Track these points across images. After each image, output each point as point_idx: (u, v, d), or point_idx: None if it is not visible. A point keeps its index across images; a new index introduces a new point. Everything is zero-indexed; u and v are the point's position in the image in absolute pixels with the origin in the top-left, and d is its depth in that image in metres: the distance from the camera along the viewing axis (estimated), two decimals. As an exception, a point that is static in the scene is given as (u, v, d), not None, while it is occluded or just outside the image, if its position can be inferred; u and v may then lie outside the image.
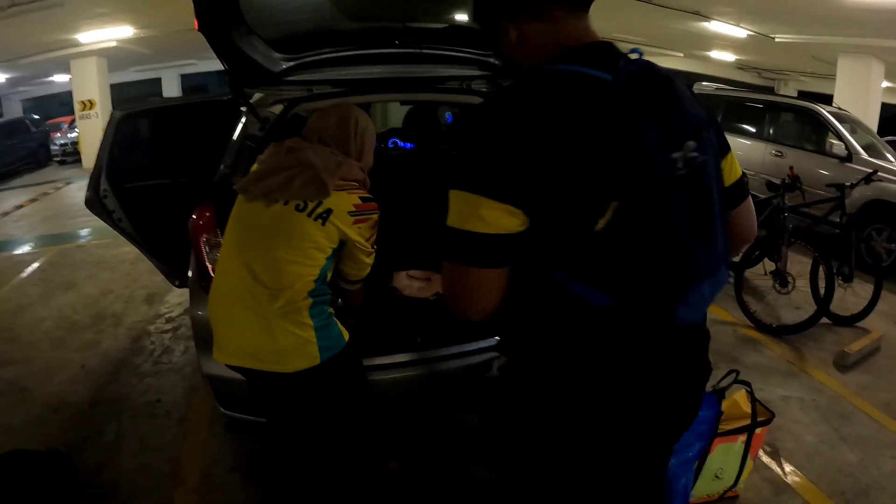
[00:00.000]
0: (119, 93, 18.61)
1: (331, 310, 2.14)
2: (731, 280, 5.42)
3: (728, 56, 18.18)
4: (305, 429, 2.34)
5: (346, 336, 2.17)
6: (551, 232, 1.16)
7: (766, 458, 3.43)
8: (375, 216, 2.14)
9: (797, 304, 5.26)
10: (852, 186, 5.45)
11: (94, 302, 5.73)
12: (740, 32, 11.87)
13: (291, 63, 3.28)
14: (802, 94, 13.78)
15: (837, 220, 5.45)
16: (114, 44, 14.18)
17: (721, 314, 5.41)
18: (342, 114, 2.25)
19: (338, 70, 3.46)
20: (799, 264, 5.27)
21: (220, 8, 2.40)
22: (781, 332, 5.00)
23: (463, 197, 1.16)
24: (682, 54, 19.04)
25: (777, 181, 5.47)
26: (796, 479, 3.28)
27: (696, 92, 7.41)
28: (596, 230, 1.12)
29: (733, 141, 8.12)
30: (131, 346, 4.66)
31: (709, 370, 1.43)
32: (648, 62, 1.24)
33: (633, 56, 1.23)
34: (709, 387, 3.11)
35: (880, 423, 3.90)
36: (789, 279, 5.15)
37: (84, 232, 8.90)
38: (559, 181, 1.11)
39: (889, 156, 7.70)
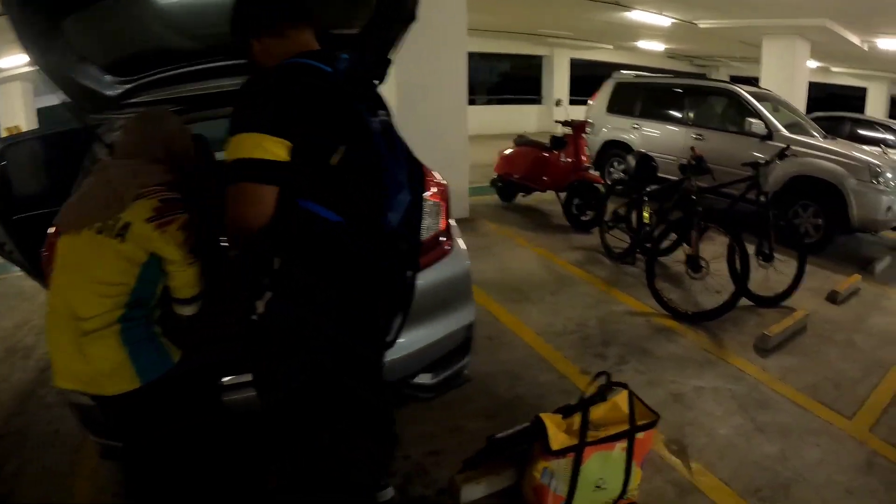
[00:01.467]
0: (50, 116, 17.82)
1: (157, 329, 2.08)
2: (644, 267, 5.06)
3: (657, 45, 18.13)
4: (160, 451, 2.25)
5: (176, 356, 2.09)
6: (304, 165, 1.67)
7: (671, 459, 3.06)
8: (182, 216, 2.03)
9: (717, 289, 4.89)
10: (766, 164, 5.14)
11: (9, 335, 5.31)
12: (664, 21, 11.73)
13: (129, 85, 3.18)
14: (735, 79, 13.75)
15: (755, 198, 5.10)
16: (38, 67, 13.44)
17: (634, 304, 5.04)
18: (137, 122, 2.24)
19: (180, 87, 3.31)
20: (723, 246, 4.91)
21: (44, 39, 2.42)
22: (699, 319, 4.63)
23: (251, 136, 1.64)
24: (611, 46, 19.04)
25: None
26: (704, 478, 2.92)
27: (616, 81, 7.17)
28: (332, 164, 1.69)
29: (656, 127, 7.94)
30: (38, 378, 4.35)
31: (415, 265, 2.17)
32: (353, 64, 1.82)
33: (346, 56, 1.82)
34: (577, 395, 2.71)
35: (804, 408, 3.59)
36: (702, 263, 4.79)
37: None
38: (308, 128, 1.68)
39: (814, 132, 7.52)
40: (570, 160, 7.21)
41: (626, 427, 2.51)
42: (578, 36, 16.98)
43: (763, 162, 5.17)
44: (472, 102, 21.14)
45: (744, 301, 4.85)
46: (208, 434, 2.35)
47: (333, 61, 1.78)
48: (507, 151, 8.21)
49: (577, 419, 2.53)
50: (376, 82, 2.09)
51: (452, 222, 3.19)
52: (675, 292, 5.16)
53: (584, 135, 7.37)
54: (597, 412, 2.58)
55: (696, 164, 4.88)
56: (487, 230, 7.25)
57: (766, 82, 10.92)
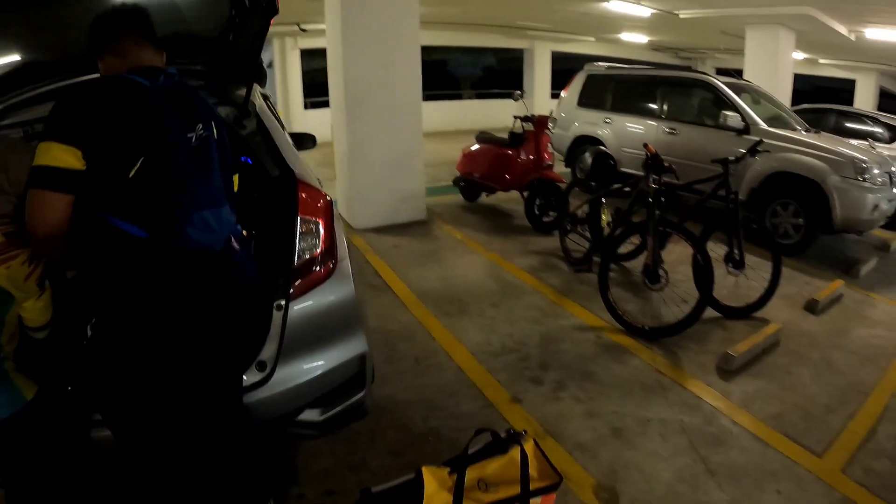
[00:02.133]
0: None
1: (8, 365, 1.95)
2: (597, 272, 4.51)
3: (640, 38, 17.51)
4: (35, 482, 2.16)
5: (30, 393, 1.97)
6: (100, 176, 1.70)
7: (599, 513, 2.56)
8: (26, 250, 1.92)
9: (683, 298, 4.34)
10: (737, 161, 4.60)
11: None
12: (643, 11, 11.19)
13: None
14: (720, 71, 13.23)
15: (725, 198, 4.57)
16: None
17: (585, 317, 4.49)
18: None
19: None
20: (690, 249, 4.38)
21: None
22: (656, 335, 4.10)
23: (45, 145, 1.68)
24: (593, 39, 18.45)
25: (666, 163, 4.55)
26: (637, 539, 2.43)
27: (587, 73, 6.66)
28: (129, 176, 1.70)
29: (628, 121, 7.35)
30: None
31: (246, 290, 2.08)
32: (180, 79, 1.88)
33: (173, 72, 1.87)
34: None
35: (767, 443, 3.10)
36: (661, 273, 4.24)
37: None
38: (101, 137, 1.69)
39: (797, 126, 6.98)
40: (530, 158, 6.67)
41: (516, 491, 1.99)
42: (558, 28, 16.42)
43: (733, 158, 4.64)
44: (458, 97, 20.88)
45: (712, 313, 4.34)
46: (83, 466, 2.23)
47: (156, 76, 1.82)
48: (470, 148, 7.70)
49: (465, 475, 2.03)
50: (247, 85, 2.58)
51: (343, 241, 2.75)
52: (633, 303, 4.63)
53: (546, 131, 6.83)
54: (491, 467, 2.08)
55: (651, 163, 4.34)
56: (441, 233, 6.73)
57: (750, 74, 10.40)
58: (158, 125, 1.73)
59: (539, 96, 18.26)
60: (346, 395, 2.61)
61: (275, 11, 2.50)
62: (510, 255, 5.86)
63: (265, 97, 4.53)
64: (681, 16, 11.27)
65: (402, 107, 6.77)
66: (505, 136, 7.22)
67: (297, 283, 2.45)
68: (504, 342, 4.06)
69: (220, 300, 1.94)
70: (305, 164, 3.06)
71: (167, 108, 1.75)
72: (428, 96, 19.72)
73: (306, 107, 15.80)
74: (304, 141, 6.07)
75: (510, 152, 6.95)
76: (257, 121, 2.86)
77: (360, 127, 6.65)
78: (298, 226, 2.49)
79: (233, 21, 2.65)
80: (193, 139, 1.80)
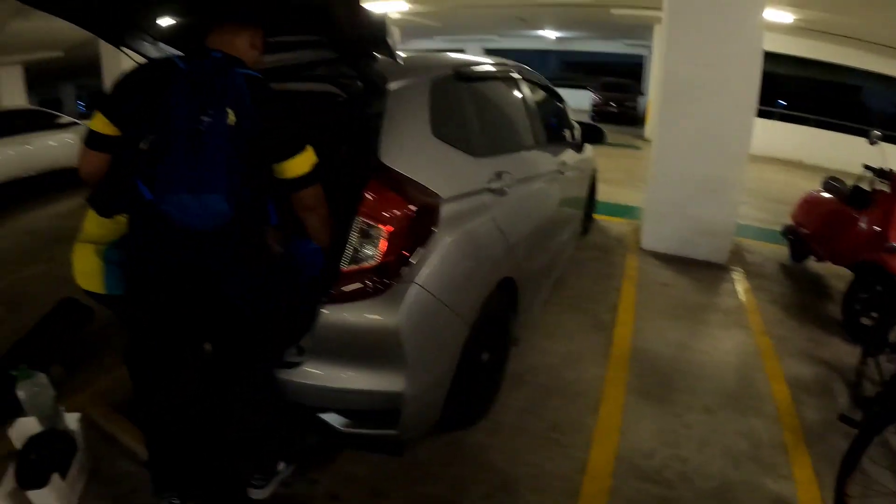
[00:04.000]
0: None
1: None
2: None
3: None
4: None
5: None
6: (128, 143, 2.11)
7: None
8: None
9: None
10: None
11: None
12: None
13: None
14: None
15: None
16: (397, 16, 16.06)
17: (805, 492, 2.99)
18: None
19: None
20: None
21: (115, 13, 2.57)
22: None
23: (96, 112, 2.16)
24: None
25: None
26: None
27: None
28: (141, 147, 2.08)
29: None
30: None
31: (228, 273, 2.19)
32: (222, 62, 2.11)
33: (217, 56, 2.12)
34: None
35: None
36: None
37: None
38: (130, 113, 2.12)
39: None
40: (872, 228, 4.84)
41: None
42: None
43: None
44: (864, 133, 16.97)
45: None
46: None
47: (196, 59, 2.11)
48: (811, 195, 6.12)
49: None
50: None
51: (430, 265, 2.49)
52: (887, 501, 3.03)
53: None
54: None
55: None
56: (727, 289, 5.48)
57: None
58: (170, 106, 2.00)
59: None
60: (374, 423, 2.53)
61: None
62: (785, 351, 4.38)
63: (510, 78, 3.98)
64: None
65: (726, 119, 5.59)
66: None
67: (339, 287, 2.36)
68: (667, 467, 3.05)
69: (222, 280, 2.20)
70: (451, 163, 2.83)
71: (185, 92, 2.01)
72: (820, 122, 16.33)
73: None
74: (593, 134, 5.44)
75: (851, 213, 5.23)
76: (385, 102, 2.57)
77: (670, 134, 5.76)
78: (354, 227, 2.37)
79: None
80: (205, 122, 1.99)
